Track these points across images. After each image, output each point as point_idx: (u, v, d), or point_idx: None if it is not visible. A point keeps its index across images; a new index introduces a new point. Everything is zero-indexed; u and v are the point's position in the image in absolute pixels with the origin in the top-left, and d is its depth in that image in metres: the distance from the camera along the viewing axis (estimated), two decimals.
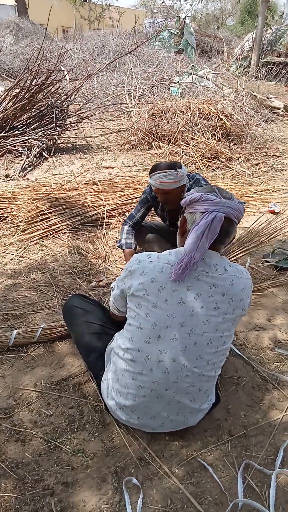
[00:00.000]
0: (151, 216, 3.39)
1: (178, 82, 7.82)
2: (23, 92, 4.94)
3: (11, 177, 4.26)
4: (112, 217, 3.35)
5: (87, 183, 3.76)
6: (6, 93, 4.95)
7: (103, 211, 3.29)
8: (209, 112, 5.76)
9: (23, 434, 1.56)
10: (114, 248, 2.99)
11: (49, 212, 3.10)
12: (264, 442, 1.55)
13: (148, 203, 2.68)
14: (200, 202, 1.37)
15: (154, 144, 5.53)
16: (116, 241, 2.99)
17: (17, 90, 4.95)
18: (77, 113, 5.86)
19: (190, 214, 1.41)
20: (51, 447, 1.52)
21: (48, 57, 8.44)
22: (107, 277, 2.62)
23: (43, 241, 2.99)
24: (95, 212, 3.28)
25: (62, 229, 3.07)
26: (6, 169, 4.56)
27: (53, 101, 5.26)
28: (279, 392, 1.79)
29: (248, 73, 13.86)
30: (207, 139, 5.42)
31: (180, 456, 1.49)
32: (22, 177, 4.27)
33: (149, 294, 1.37)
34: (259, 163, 5.22)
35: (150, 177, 2.40)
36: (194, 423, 1.53)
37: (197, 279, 1.35)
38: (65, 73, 6.37)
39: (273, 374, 1.88)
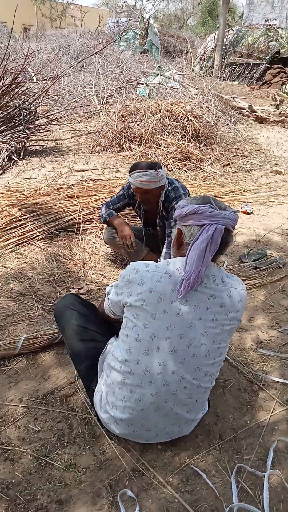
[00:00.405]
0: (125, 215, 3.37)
1: (146, 83, 7.83)
2: None
3: None
4: (88, 221, 3.31)
5: (61, 188, 3.70)
6: None
7: (79, 216, 3.24)
8: (178, 113, 5.80)
9: (11, 452, 1.52)
10: (92, 254, 2.96)
11: (24, 218, 3.02)
12: (254, 444, 1.58)
13: (125, 200, 2.68)
14: (197, 215, 1.34)
15: (125, 146, 5.52)
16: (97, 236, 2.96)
17: None
18: (46, 115, 5.75)
19: (187, 227, 1.39)
20: (42, 464, 1.48)
21: (12, 57, 8.24)
22: (87, 284, 2.59)
23: (18, 249, 2.91)
24: (71, 217, 3.23)
25: (38, 236, 3.01)
26: None
27: (20, 103, 5.14)
28: (265, 392, 1.83)
29: (212, 73, 14.09)
30: (178, 140, 5.46)
31: (173, 464, 1.50)
32: None
33: (148, 304, 1.34)
34: (229, 164, 5.32)
35: (130, 176, 2.40)
36: (188, 432, 1.54)
37: (195, 290, 1.34)
38: (32, 74, 6.23)
39: (258, 375, 1.91)
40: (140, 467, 1.48)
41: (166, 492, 1.40)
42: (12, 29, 5.93)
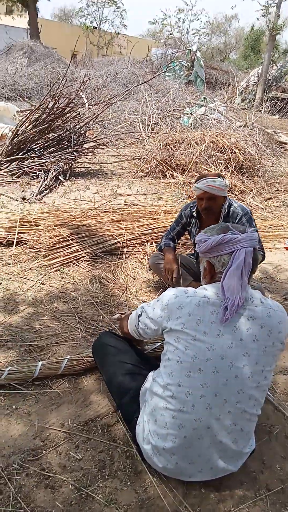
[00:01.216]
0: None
1: (191, 114, 7.98)
2: (44, 116, 5.01)
3: (27, 199, 4.26)
4: (132, 246, 3.33)
5: (107, 211, 3.77)
6: (27, 116, 5.02)
7: (123, 240, 3.27)
8: (223, 145, 5.86)
9: (52, 479, 1.49)
10: (135, 279, 2.96)
11: (71, 239, 3.08)
12: None
13: (182, 220, 2.74)
14: (224, 244, 1.41)
15: (168, 173, 5.59)
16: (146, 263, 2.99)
17: (38, 114, 5.01)
18: (94, 139, 5.93)
19: (215, 258, 1.44)
20: (83, 495, 1.44)
21: (63, 82, 8.63)
22: (129, 309, 2.58)
23: (63, 268, 2.96)
24: (115, 241, 3.27)
25: (83, 257, 3.05)
26: (22, 191, 4.57)
27: (71, 126, 5.33)
28: None
29: (253, 106, 14.21)
30: (220, 171, 5.49)
31: (217, 511, 1.43)
32: (38, 200, 4.27)
33: (187, 327, 1.36)
34: (271, 198, 5.28)
35: (197, 183, 2.47)
36: (235, 469, 1.46)
37: (237, 312, 1.36)
38: (85, 100, 6.49)
39: None
40: (183, 510, 1.42)
41: None
42: (57, 53, 6.19)
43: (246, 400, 1.37)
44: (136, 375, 1.68)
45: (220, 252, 1.42)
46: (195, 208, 2.66)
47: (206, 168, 5.50)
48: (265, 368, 1.38)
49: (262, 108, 12.83)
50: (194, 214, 2.67)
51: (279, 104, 15.46)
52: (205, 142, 5.86)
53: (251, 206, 4.83)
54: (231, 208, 2.53)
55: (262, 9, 15.78)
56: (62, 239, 3.10)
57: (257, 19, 18.86)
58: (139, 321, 1.59)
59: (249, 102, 15.78)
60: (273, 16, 15.76)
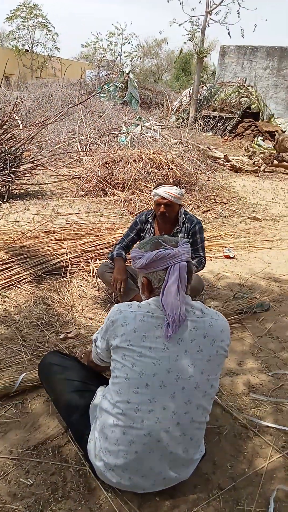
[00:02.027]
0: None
1: (128, 133, 8.18)
2: None
3: None
4: (76, 264, 3.32)
5: (48, 231, 3.73)
6: None
7: (66, 259, 3.25)
8: (160, 161, 6.06)
9: (2, 510, 1.43)
10: (80, 297, 2.95)
11: (11, 261, 3.01)
12: (254, 494, 1.55)
13: (137, 227, 2.85)
14: (158, 261, 1.43)
15: (109, 191, 5.66)
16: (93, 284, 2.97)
17: None
18: (31, 159, 5.87)
19: (152, 274, 1.46)
20: None
21: None
22: (75, 328, 2.56)
23: (5, 292, 2.87)
24: (58, 260, 3.24)
25: (25, 278, 2.99)
26: None
27: (6, 148, 5.25)
28: (260, 438, 1.81)
29: (188, 125, 14.87)
30: None
31: None
32: None
33: (133, 344, 1.37)
34: (209, 210, 5.52)
35: (157, 189, 2.64)
36: (186, 477, 1.49)
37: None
38: (19, 122, 6.43)
39: (253, 421, 1.91)
40: None
41: None
42: None
43: (194, 410, 1.40)
44: (84, 392, 1.66)
45: (155, 268, 1.44)
46: (151, 214, 2.83)
47: (145, 185, 5.65)
48: (211, 377, 1.42)
49: (195, 126, 13.45)
50: (150, 220, 2.82)
51: (211, 122, 16.31)
52: (142, 159, 6.02)
53: None
54: (188, 216, 2.78)
55: (188, 34, 16.71)
56: (1, 262, 3.02)
57: (185, 43, 19.98)
58: (96, 346, 1.58)
59: (183, 120, 16.48)
60: (199, 41, 16.74)
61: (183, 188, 5.93)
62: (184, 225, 2.77)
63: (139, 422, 1.36)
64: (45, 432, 1.77)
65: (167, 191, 2.59)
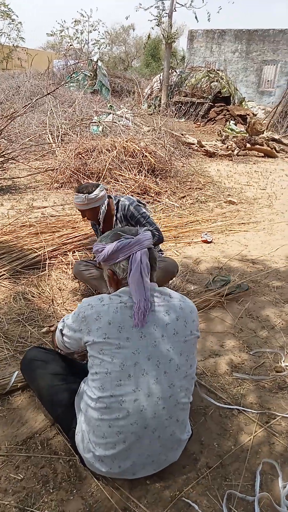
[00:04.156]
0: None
1: (100, 122, 8.07)
2: None
3: None
4: (54, 257, 3.29)
5: (24, 225, 3.67)
6: None
7: (44, 253, 3.22)
8: (133, 150, 6.01)
9: None
10: (60, 290, 2.93)
11: None
12: (240, 469, 1.60)
13: (95, 229, 2.92)
14: (119, 251, 1.45)
15: (84, 181, 5.59)
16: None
17: None
18: (1, 154, 5.73)
19: (116, 265, 1.48)
20: None
21: None
22: (57, 321, 2.55)
23: None
24: (36, 254, 3.20)
25: (3, 275, 2.94)
26: None
27: None
28: (244, 415, 1.87)
29: (159, 111, 14.79)
30: (135, 175, 5.64)
31: (164, 498, 1.47)
32: None
33: (110, 337, 1.38)
34: (185, 196, 5.54)
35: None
36: (175, 459, 1.53)
37: (152, 311, 1.42)
38: None
39: (237, 399, 1.95)
40: (131, 506, 1.44)
41: None
42: None
43: (178, 392, 1.42)
44: (68, 384, 1.66)
45: (118, 259, 1.46)
46: None
47: (121, 174, 5.61)
48: (189, 357, 1.46)
49: (167, 112, 13.40)
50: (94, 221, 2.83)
51: (183, 108, 16.26)
52: (116, 148, 5.97)
53: (167, 206, 5.03)
54: (120, 203, 2.68)
55: (155, 19, 16.51)
56: None
57: (152, 28, 19.75)
58: (62, 335, 1.59)
59: (154, 107, 16.39)
60: (166, 26, 16.57)
61: (157, 175, 5.92)
62: (119, 213, 2.67)
63: (125, 413, 1.37)
64: (32, 426, 1.77)
65: (75, 201, 2.60)
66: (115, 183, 5.46)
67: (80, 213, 2.76)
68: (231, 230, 4.34)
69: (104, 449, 1.41)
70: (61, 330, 1.61)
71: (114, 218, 2.69)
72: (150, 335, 1.39)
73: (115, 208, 2.68)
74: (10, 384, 1.91)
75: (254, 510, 1.43)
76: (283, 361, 2.23)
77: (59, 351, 1.78)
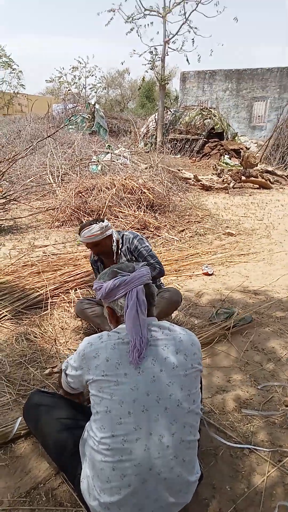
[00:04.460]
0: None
1: (99, 161, 8.29)
2: None
3: None
4: (56, 296, 3.28)
5: (26, 265, 3.69)
6: None
7: (46, 292, 3.21)
8: (132, 187, 6.15)
9: None
10: (63, 329, 2.90)
11: None
12: None
13: (95, 268, 2.94)
14: (116, 289, 1.46)
15: (84, 219, 5.68)
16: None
17: None
18: (3, 195, 5.85)
19: (114, 303, 1.50)
20: None
21: None
22: (60, 362, 2.51)
23: None
24: (38, 293, 3.19)
25: (5, 316, 2.92)
26: None
27: None
28: (256, 454, 1.80)
29: (156, 149, 15.22)
30: (134, 211, 5.72)
31: None
32: None
33: (108, 374, 1.36)
34: (184, 229, 5.59)
35: (80, 236, 2.67)
36: (186, 502, 1.43)
37: (149, 345, 1.40)
38: None
39: (247, 438, 1.89)
40: None
41: None
42: None
43: (181, 429, 1.37)
44: (73, 429, 1.61)
45: (116, 296, 1.47)
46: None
47: (120, 210, 5.70)
48: (191, 392, 1.41)
49: (163, 149, 13.79)
50: (96, 258, 2.90)
51: (178, 144, 16.74)
52: (115, 186, 6.10)
53: (166, 240, 5.07)
54: (124, 237, 2.79)
55: (148, 63, 17.33)
56: None
57: (146, 71, 20.70)
58: (66, 375, 1.58)
59: (151, 145, 16.87)
60: (160, 69, 17.36)
61: (156, 210, 6.01)
62: (124, 247, 2.76)
63: (127, 454, 1.32)
64: (36, 475, 1.70)
65: (87, 235, 2.61)
66: (115, 219, 5.54)
67: (90, 249, 2.77)
68: (231, 262, 4.34)
69: (109, 494, 1.35)
70: (64, 371, 1.59)
71: (119, 252, 2.76)
72: (148, 370, 1.37)
73: (121, 242, 2.77)
74: (14, 432, 1.85)
75: None
76: None
77: (64, 394, 1.74)
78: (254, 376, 2.36)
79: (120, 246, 2.76)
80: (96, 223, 2.64)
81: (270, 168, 10.77)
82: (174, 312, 3.01)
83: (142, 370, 1.36)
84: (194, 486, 1.47)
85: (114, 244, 2.73)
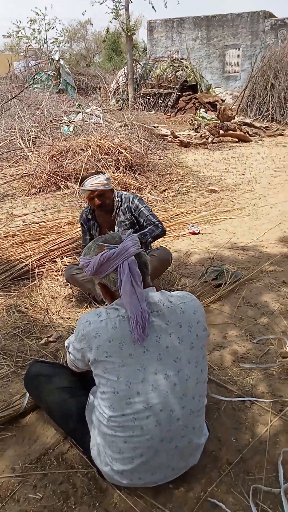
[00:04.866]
0: None
1: (70, 121, 7.93)
2: None
3: None
4: (43, 266, 3.21)
5: (7, 236, 3.57)
6: None
7: (31, 262, 3.14)
8: (108, 147, 5.94)
9: None
10: (53, 298, 2.86)
11: None
12: (262, 462, 1.58)
13: (85, 228, 2.88)
14: (105, 264, 1.36)
15: (62, 184, 5.50)
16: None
17: None
18: None
19: (105, 278, 1.40)
20: None
21: None
22: (55, 331, 2.49)
23: None
24: (24, 264, 3.11)
25: None
26: None
27: None
28: (258, 406, 1.85)
29: (129, 106, 14.68)
30: (113, 173, 5.57)
31: (189, 501, 1.45)
32: None
33: (111, 355, 1.32)
34: (166, 189, 5.51)
35: (82, 186, 2.63)
36: (195, 462, 1.50)
37: (152, 322, 1.34)
38: None
39: (247, 390, 1.94)
40: None
41: None
42: None
43: (191, 401, 1.37)
44: (76, 397, 1.61)
45: (106, 271, 1.37)
46: (88, 211, 2.84)
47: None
48: (198, 363, 1.39)
49: (137, 106, 13.29)
50: (89, 216, 2.83)
51: (152, 100, 16.17)
52: (90, 147, 5.88)
53: (149, 201, 4.98)
54: (123, 196, 2.78)
55: (112, 12, 16.28)
56: None
57: (110, 21, 19.55)
58: (69, 353, 1.53)
59: (123, 102, 16.23)
60: (124, 18, 16.37)
61: (135, 171, 5.87)
62: (123, 205, 2.77)
63: (139, 430, 1.32)
64: (45, 442, 1.71)
65: (93, 183, 2.59)
66: None
67: (90, 202, 2.71)
68: (217, 219, 4.33)
69: (122, 463, 1.37)
70: (68, 349, 1.54)
71: (118, 210, 2.75)
72: (154, 348, 1.33)
73: (119, 200, 2.76)
74: (23, 406, 1.83)
75: (281, 502, 1.42)
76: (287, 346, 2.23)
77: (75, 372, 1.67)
78: (249, 330, 2.41)
79: (119, 204, 2.75)
80: (101, 174, 2.63)
81: (248, 120, 10.60)
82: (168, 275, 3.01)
83: (148, 348, 1.32)
84: (202, 446, 1.51)
85: (117, 199, 2.74)
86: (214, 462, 1.59)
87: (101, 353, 1.32)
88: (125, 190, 5.25)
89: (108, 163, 5.72)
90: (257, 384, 1.98)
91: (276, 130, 10.67)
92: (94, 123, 8.05)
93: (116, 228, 2.79)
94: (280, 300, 2.71)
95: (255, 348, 2.25)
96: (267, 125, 11.27)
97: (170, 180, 5.85)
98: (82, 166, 5.54)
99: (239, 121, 10.20)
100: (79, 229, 3.66)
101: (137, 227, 2.82)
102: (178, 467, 1.43)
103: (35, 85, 15.11)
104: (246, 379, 2.03)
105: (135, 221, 2.81)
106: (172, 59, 17.26)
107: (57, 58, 16.62)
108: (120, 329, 1.32)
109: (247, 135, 9.49)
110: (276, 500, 1.44)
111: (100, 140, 6.08)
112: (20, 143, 7.42)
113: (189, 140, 8.93)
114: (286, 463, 1.57)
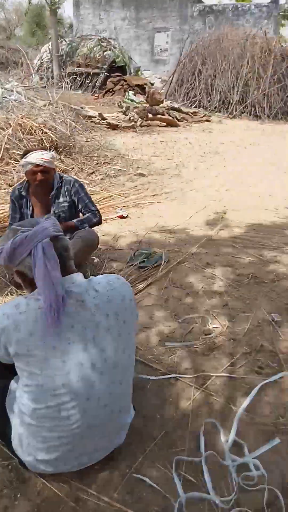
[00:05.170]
0: None
1: None
2: None
3: None
4: None
5: None
6: None
7: None
8: (31, 126, 5.65)
9: None
10: None
11: None
12: (184, 434, 1.64)
13: (17, 205, 2.74)
14: (18, 248, 1.28)
15: None
16: None
17: None
18: None
19: (21, 265, 1.32)
20: None
21: None
22: None
23: None
24: None
25: None
26: None
27: None
28: (181, 382, 1.91)
29: (53, 84, 14.08)
30: None
31: (114, 479, 1.46)
32: None
33: (33, 349, 1.25)
34: (94, 172, 5.41)
35: (27, 158, 2.51)
36: (121, 442, 1.51)
37: (76, 312, 1.28)
38: None
39: (172, 368, 2.00)
40: (82, 495, 1.41)
41: (115, 510, 1.36)
42: None
43: (118, 387, 1.36)
44: None
45: (21, 257, 1.29)
46: (23, 187, 2.72)
47: (20, 153, 5.24)
48: (126, 348, 1.37)
49: (62, 84, 12.79)
50: (23, 193, 2.71)
51: (78, 79, 15.69)
52: (11, 126, 5.54)
53: None
54: (63, 178, 2.74)
55: None
56: None
57: None
58: None
59: (47, 80, 15.53)
60: None
61: (61, 152, 5.67)
62: (63, 188, 2.73)
63: (65, 419, 1.29)
64: None
65: (40, 157, 2.50)
66: (16, 163, 5.10)
67: (30, 178, 2.59)
68: (145, 203, 4.36)
69: (46, 453, 1.33)
70: None
71: (53, 192, 2.68)
72: (79, 339, 1.28)
73: (60, 181, 2.72)
74: None
75: (202, 470, 1.49)
76: (210, 324, 2.33)
77: None
78: (175, 311, 2.47)
79: (58, 186, 2.69)
80: (46, 151, 2.59)
81: (176, 105, 10.75)
82: (95, 259, 2.98)
83: (72, 340, 1.27)
84: (128, 425, 1.53)
85: (58, 180, 2.68)
86: (139, 439, 1.62)
87: (22, 347, 1.25)
88: None
89: (31, 144, 5.45)
90: (181, 361, 2.05)
91: (203, 116, 10.97)
92: (15, 100, 7.59)
93: (52, 209, 2.73)
94: (205, 280, 2.81)
95: (180, 327, 2.32)
96: (194, 110, 11.54)
97: (97, 163, 5.76)
98: (1, 145, 5.21)
99: (167, 106, 10.31)
100: (1, 212, 3.47)
101: (73, 211, 2.79)
102: (104, 448, 1.44)
103: None
104: (171, 357, 2.08)
105: (73, 205, 2.78)
106: (100, 38, 16.82)
107: None
108: (41, 321, 1.24)
109: (175, 120, 9.64)
110: (197, 468, 1.50)
111: (21, 118, 5.75)
112: None
113: (117, 123, 8.84)
114: (207, 433, 1.64)
